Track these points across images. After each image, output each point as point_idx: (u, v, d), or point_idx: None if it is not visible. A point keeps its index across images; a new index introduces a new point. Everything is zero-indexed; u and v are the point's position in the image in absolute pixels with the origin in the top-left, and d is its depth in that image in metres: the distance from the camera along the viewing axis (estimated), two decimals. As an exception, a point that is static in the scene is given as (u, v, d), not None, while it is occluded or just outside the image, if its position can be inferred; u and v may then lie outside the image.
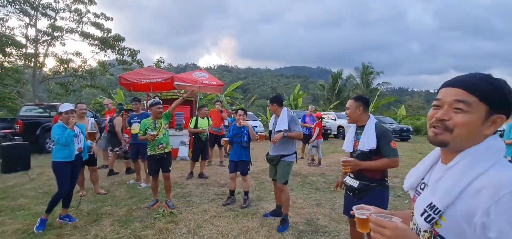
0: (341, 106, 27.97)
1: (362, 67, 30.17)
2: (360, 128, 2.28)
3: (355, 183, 2.24)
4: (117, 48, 16.97)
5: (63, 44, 16.71)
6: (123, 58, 17.26)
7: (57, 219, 3.42)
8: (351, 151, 2.31)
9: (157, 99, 4.08)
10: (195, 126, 5.86)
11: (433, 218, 0.78)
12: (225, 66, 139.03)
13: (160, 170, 4.05)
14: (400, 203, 4.51)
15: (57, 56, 15.97)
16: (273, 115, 3.72)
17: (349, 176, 2.33)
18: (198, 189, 5.00)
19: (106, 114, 7.50)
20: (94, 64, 17.56)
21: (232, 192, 4.30)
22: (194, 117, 5.98)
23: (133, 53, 17.26)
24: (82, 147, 3.57)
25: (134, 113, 5.46)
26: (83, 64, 17.02)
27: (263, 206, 4.13)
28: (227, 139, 4.39)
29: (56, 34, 15.92)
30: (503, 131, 5.30)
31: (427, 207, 0.80)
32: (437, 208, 0.77)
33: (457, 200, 0.74)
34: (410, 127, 16.52)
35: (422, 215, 0.81)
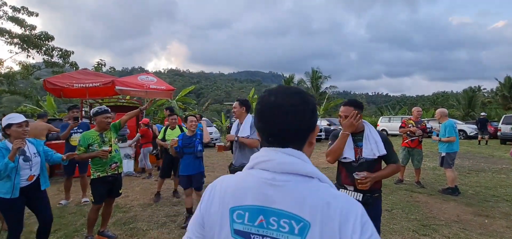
0: (294, 109, 28.81)
1: (312, 72, 31.66)
2: (357, 135, 2.10)
3: (358, 196, 2.01)
4: (44, 48, 14.56)
5: (-31, 42, 13.72)
6: (52, 60, 14.90)
7: None
8: (353, 159, 2.08)
9: (104, 107, 3.26)
10: (163, 138, 4.92)
11: None
12: (177, 70, 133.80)
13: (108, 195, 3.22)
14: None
15: (-40, 56, 13.00)
16: (236, 122, 3.35)
17: (346, 189, 2.07)
18: (146, 211, 4.24)
19: None
20: (14, 66, 14.80)
21: (189, 211, 3.72)
22: (163, 128, 5.10)
23: (65, 55, 15.01)
24: (35, 175, 2.57)
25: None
26: (-3, 67, 14.19)
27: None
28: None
29: (-42, 29, 12.97)
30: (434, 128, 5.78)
31: None
32: None
33: None
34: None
35: None
